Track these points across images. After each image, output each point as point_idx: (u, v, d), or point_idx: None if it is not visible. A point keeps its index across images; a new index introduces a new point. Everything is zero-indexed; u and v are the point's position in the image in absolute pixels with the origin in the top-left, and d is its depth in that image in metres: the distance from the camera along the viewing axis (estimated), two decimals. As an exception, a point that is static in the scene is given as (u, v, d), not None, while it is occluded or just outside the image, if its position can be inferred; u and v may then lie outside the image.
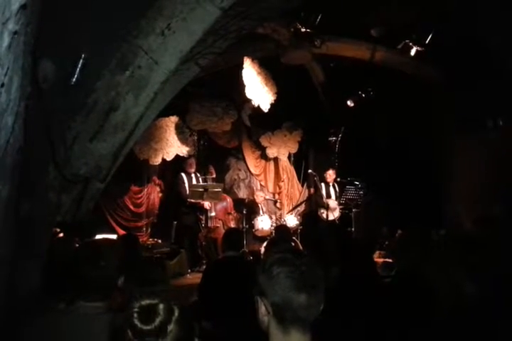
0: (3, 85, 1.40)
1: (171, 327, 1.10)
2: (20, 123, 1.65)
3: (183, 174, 7.40)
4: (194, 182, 7.35)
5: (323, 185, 8.09)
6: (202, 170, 8.14)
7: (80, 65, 2.96)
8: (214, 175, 7.99)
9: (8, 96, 1.44)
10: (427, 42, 6.13)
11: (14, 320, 1.74)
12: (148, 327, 1.08)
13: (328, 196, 8.04)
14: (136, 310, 1.11)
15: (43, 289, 2.67)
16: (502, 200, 5.90)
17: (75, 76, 2.96)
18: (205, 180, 7.59)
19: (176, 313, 1.12)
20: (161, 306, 1.12)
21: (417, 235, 3.26)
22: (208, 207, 7.31)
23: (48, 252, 3.07)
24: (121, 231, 7.24)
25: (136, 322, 1.09)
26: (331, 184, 8.20)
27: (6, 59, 1.41)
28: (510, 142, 6.16)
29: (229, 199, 8.36)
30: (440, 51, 6.29)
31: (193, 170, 7.48)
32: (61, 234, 4.18)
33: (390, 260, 5.92)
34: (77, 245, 3.22)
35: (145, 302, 1.13)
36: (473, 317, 1.69)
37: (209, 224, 7.33)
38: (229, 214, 8.28)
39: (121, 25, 3.31)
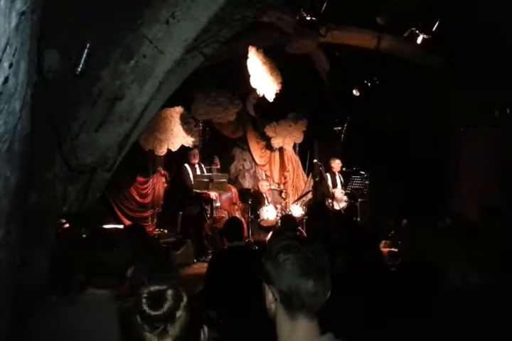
0: (11, 66, 1.38)
1: (179, 313, 1.09)
2: (27, 110, 1.64)
3: (186, 165, 7.41)
4: (198, 172, 7.36)
5: (328, 175, 8.05)
6: (207, 160, 8.15)
7: (84, 55, 2.95)
8: (219, 166, 8.00)
9: (16, 80, 1.43)
10: (433, 30, 6.05)
11: (22, 310, 1.75)
12: (157, 313, 1.08)
13: (334, 185, 8.01)
14: (144, 295, 1.11)
15: (49, 279, 2.69)
16: (507, 191, 5.88)
17: (80, 65, 2.95)
18: (209, 171, 7.61)
19: (185, 299, 1.12)
20: (169, 292, 1.11)
21: (423, 224, 3.27)
22: (214, 197, 7.33)
23: (54, 243, 3.09)
24: (127, 222, 7.27)
25: (145, 307, 1.08)
26: (336, 173, 8.16)
27: (14, 39, 1.40)
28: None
29: (234, 190, 8.37)
30: (447, 39, 6.21)
31: (196, 161, 7.48)
32: (67, 225, 4.20)
33: (396, 249, 5.94)
34: (83, 235, 3.24)
35: (154, 287, 1.12)
36: (477, 307, 1.69)
37: (214, 215, 7.35)
38: (234, 204, 8.30)
39: (126, 15, 3.29)
